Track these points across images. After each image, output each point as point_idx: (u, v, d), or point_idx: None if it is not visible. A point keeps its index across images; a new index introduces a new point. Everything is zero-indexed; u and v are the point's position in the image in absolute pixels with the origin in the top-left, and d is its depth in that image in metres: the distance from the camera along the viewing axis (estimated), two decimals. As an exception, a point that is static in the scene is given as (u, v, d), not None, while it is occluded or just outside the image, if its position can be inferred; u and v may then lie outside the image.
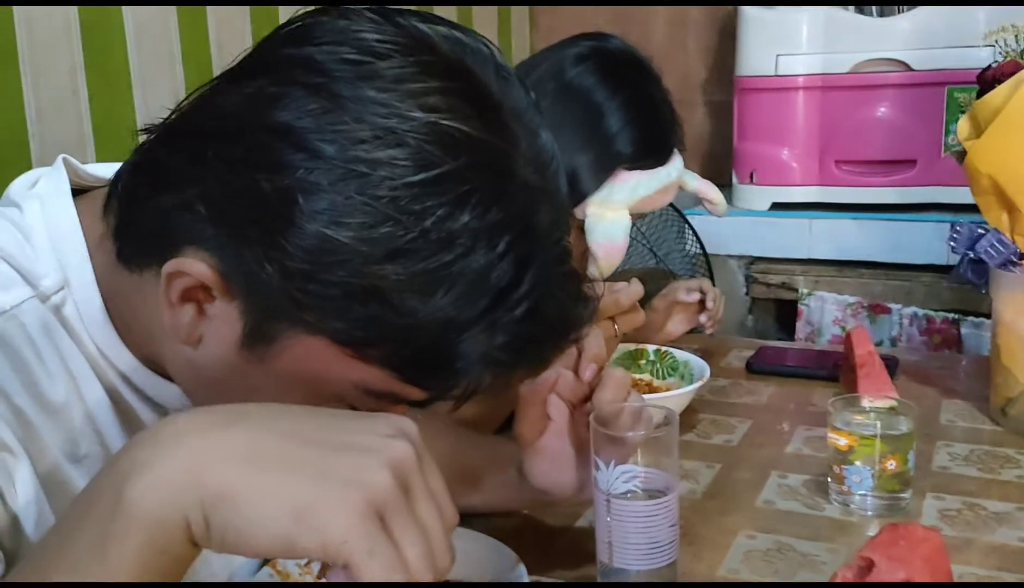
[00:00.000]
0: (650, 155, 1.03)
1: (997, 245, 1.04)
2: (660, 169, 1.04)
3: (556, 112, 1.01)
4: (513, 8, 2.27)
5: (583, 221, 1.03)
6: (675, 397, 1.06)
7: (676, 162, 1.06)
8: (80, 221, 0.58)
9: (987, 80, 1.10)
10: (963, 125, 1.08)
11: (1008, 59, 1.07)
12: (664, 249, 1.80)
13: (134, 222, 0.55)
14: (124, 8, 1.25)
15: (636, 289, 0.98)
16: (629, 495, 0.70)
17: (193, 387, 0.58)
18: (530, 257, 0.51)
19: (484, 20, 2.11)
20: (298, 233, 0.48)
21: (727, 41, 2.14)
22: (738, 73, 1.88)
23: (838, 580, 0.67)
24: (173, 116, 0.54)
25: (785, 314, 1.85)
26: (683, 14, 2.22)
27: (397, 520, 0.43)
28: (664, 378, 1.17)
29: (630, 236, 1.56)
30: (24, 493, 0.54)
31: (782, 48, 1.80)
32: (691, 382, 1.12)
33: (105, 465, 0.46)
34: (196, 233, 0.51)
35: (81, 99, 1.20)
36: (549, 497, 0.77)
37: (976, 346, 1.61)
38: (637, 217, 1.07)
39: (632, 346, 1.19)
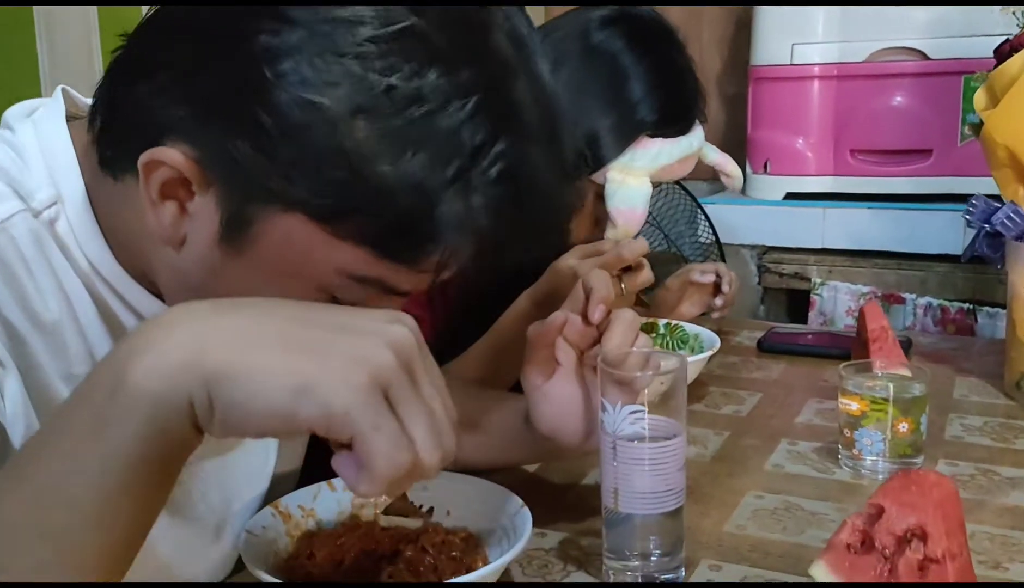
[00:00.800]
0: (673, 123, 1.02)
1: (1013, 217, 1.03)
2: (682, 138, 1.03)
3: (580, 74, 1.01)
4: (528, 9, 2.27)
5: (603, 187, 1.02)
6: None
7: (698, 132, 1.05)
8: (72, 141, 0.58)
9: (1004, 52, 1.09)
10: (980, 96, 1.07)
11: (1025, 30, 1.05)
12: (675, 235, 1.80)
13: (114, 122, 0.55)
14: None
15: (640, 245, 0.96)
16: (636, 441, 0.69)
17: (179, 297, 0.57)
18: (504, 120, 0.50)
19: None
20: (266, 98, 0.48)
21: (742, 33, 2.14)
22: (753, 62, 1.87)
23: (847, 529, 0.65)
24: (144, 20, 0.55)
25: (798, 304, 1.83)
26: (697, 7, 2.22)
27: (401, 396, 0.43)
28: (675, 351, 1.15)
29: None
30: (12, 405, 0.54)
31: (798, 37, 1.79)
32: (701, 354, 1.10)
33: (103, 357, 0.45)
34: (170, 121, 0.51)
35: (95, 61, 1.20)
36: (555, 445, 0.75)
37: (991, 335, 1.59)
38: (656, 185, 1.06)
39: (644, 319, 1.18)
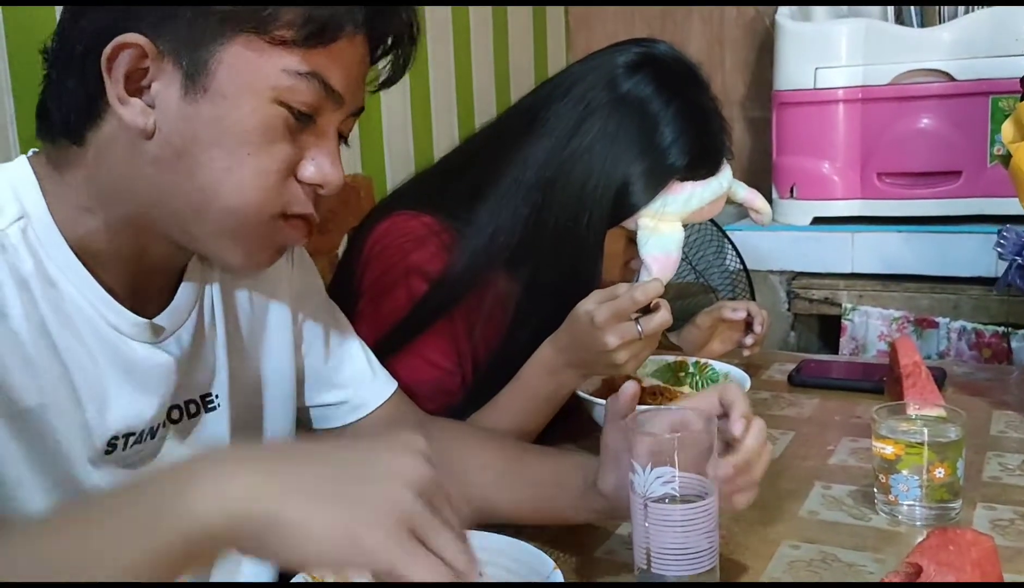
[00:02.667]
0: (703, 165, 1.02)
1: (1046, 250, 1.01)
2: (712, 180, 1.02)
3: (611, 122, 1.01)
4: (548, 10, 2.28)
5: (634, 232, 1.02)
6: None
7: (726, 172, 1.05)
8: (32, 168, 0.68)
9: (1033, 83, 1.08)
10: (1007, 128, 1.06)
11: (1053, 60, 1.04)
12: (703, 265, 1.79)
13: (69, 64, 0.66)
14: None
15: (654, 287, 0.94)
16: (667, 500, 0.68)
17: (171, 189, 0.66)
18: None
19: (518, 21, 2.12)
20: None
21: (764, 57, 2.13)
22: (776, 87, 1.86)
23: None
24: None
25: (829, 330, 1.82)
26: (720, 31, 2.21)
27: (427, 528, 0.52)
28: (703, 389, 1.15)
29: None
30: None
31: (821, 61, 1.78)
32: (732, 394, 1.10)
33: (169, 467, 0.55)
34: (114, 24, 0.63)
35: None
36: (613, 509, 0.78)
37: (1028, 361, 1.57)
38: (686, 227, 1.06)
39: (673, 358, 1.18)
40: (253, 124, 0.65)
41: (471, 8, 1.92)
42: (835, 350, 1.76)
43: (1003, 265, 1.50)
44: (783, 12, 1.87)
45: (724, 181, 1.04)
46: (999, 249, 1.07)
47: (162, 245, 0.71)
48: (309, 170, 0.69)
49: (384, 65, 0.75)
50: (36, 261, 0.65)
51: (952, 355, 1.62)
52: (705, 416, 0.71)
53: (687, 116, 1.01)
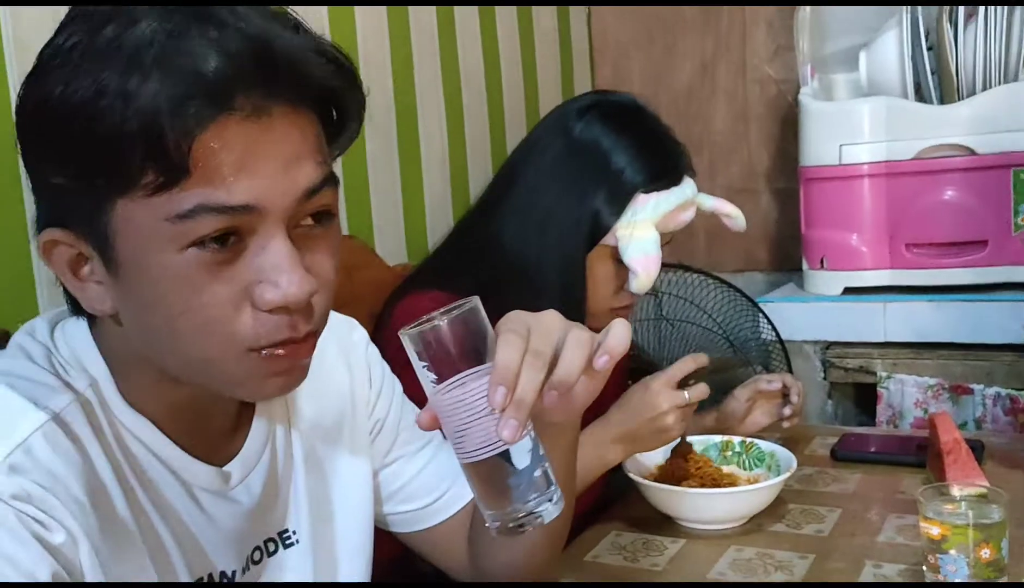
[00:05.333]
0: (662, 177, 1.14)
1: (1077, 329, 1.06)
2: (675, 189, 1.14)
3: (569, 167, 1.15)
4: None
5: (615, 248, 1.13)
6: (765, 489, 1.09)
7: (690, 183, 1.17)
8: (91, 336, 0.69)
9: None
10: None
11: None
12: (740, 338, 1.84)
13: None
14: None
15: (699, 358, 1.16)
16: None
17: (156, 350, 0.65)
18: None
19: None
20: (56, 131, 0.59)
21: (788, 130, 2.20)
22: (803, 163, 1.93)
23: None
24: None
25: (865, 398, 1.86)
26: (744, 108, 2.29)
27: None
28: (751, 469, 1.20)
29: (705, 326, 1.62)
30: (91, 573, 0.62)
31: (845, 138, 1.85)
32: (777, 472, 1.15)
33: None
34: (44, 223, 0.63)
35: None
36: None
37: (1063, 424, 1.60)
38: (666, 238, 1.16)
39: (719, 438, 1.23)
40: (168, 282, 0.60)
41: (497, 8, 1.98)
42: (872, 418, 1.80)
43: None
44: (806, 92, 1.94)
45: (688, 190, 1.16)
46: (1031, 328, 1.12)
47: (201, 392, 0.69)
48: (266, 293, 0.61)
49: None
50: (109, 420, 0.66)
51: (988, 421, 1.65)
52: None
53: (636, 141, 1.15)
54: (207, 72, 0.57)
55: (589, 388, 0.69)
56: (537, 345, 0.65)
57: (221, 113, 0.57)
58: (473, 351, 0.64)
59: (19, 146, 0.63)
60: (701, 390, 1.13)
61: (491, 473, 0.65)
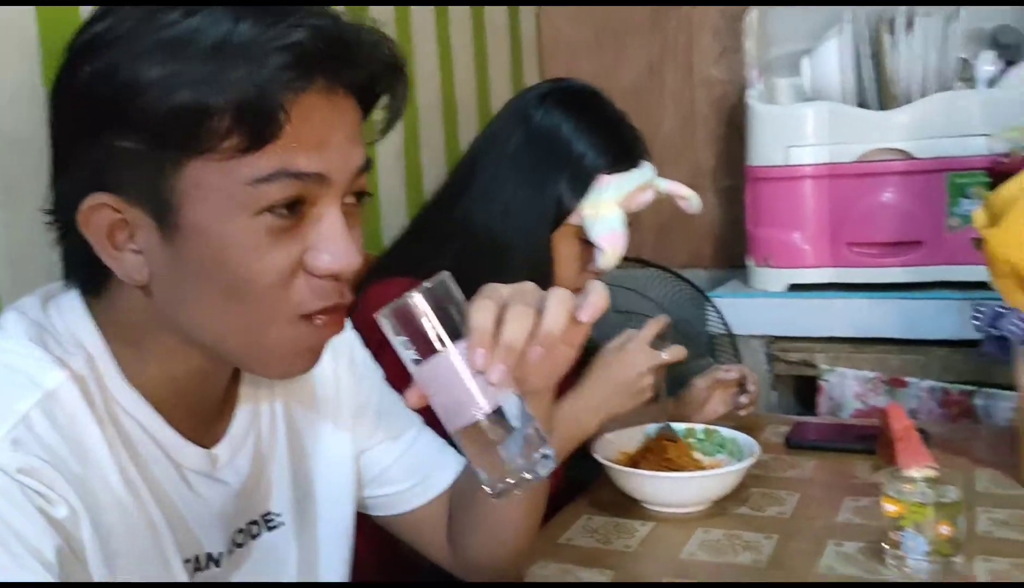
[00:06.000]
0: (622, 160, 1.19)
1: (1019, 323, 1.13)
2: (635, 171, 1.20)
3: (531, 153, 1.19)
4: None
5: (580, 228, 1.18)
6: (730, 473, 1.13)
7: (648, 166, 1.22)
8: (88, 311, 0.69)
9: (998, 172, 1.21)
10: (979, 215, 1.18)
11: (1017, 155, 1.17)
12: (691, 331, 1.89)
13: (63, 247, 0.68)
14: None
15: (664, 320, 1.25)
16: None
17: (186, 324, 0.67)
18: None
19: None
20: (127, 99, 0.60)
21: (733, 130, 2.27)
22: (750, 163, 1.99)
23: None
24: None
25: (807, 390, 1.93)
26: (691, 109, 2.35)
27: None
28: (713, 455, 1.24)
29: (650, 313, 1.68)
30: (92, 550, 0.63)
31: (791, 140, 1.91)
32: (739, 457, 1.19)
33: None
34: (80, 187, 0.63)
35: None
36: None
37: (991, 415, 1.69)
38: (628, 219, 1.20)
39: (683, 425, 1.27)
40: (237, 246, 0.63)
41: (450, 7, 1.99)
42: (813, 408, 1.87)
43: (966, 325, 1.65)
44: (752, 94, 2.01)
45: (647, 172, 1.21)
46: (976, 322, 1.19)
47: (207, 367, 0.71)
48: (322, 260, 0.65)
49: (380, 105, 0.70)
50: (105, 398, 0.67)
51: (923, 412, 1.74)
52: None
53: (595, 126, 1.20)
54: (297, 44, 0.60)
55: (567, 354, 0.75)
56: (519, 301, 0.69)
57: (307, 85, 0.62)
58: (450, 322, 0.67)
59: (56, 109, 0.64)
60: (678, 351, 1.22)
61: (483, 437, 0.68)
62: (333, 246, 0.65)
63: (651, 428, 1.26)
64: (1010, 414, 1.64)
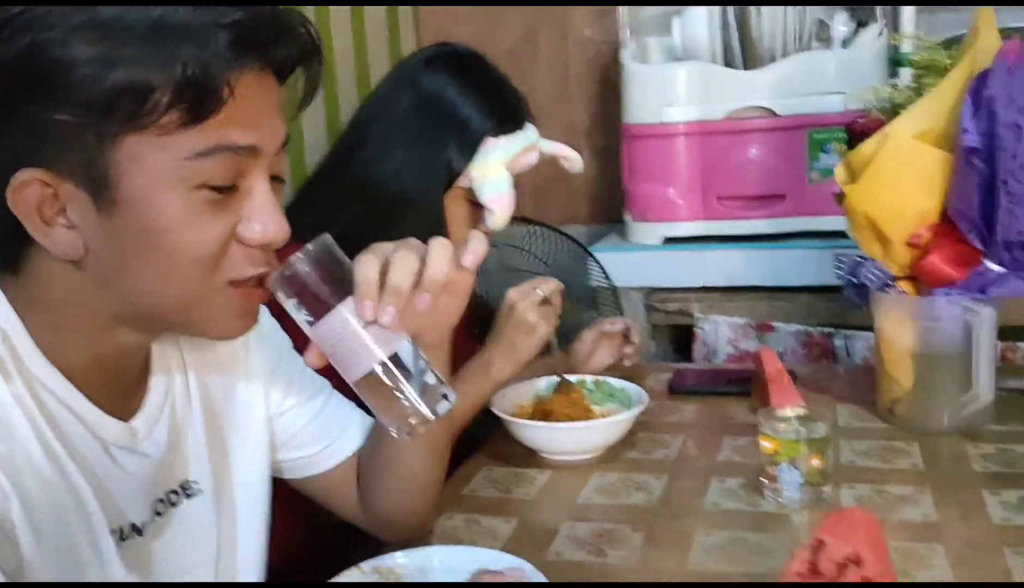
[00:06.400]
0: (507, 122, 1.23)
1: (876, 272, 1.24)
2: (520, 133, 1.24)
3: (418, 118, 1.22)
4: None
5: (469, 190, 1.22)
6: (622, 421, 1.20)
7: (532, 128, 1.27)
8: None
9: (855, 131, 1.30)
10: (840, 172, 1.28)
11: (873, 116, 1.27)
12: (575, 285, 1.96)
13: None
14: None
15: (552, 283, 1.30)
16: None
17: (118, 296, 0.68)
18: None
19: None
20: (58, 77, 0.61)
21: (607, 90, 2.34)
22: (625, 121, 2.06)
23: (798, 560, 0.82)
24: None
25: (683, 337, 2.03)
26: (566, 69, 2.40)
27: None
28: (603, 404, 1.31)
29: (543, 274, 1.75)
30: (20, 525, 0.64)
31: (664, 99, 1.99)
32: (627, 405, 1.26)
33: None
34: (9, 164, 0.63)
35: None
36: None
37: (849, 355, 1.83)
38: (515, 180, 1.25)
39: (574, 377, 1.33)
40: (175, 219, 0.65)
41: (331, 7, 1.98)
42: (689, 355, 1.97)
43: (825, 272, 1.78)
44: (626, 55, 2.07)
45: (531, 134, 1.26)
46: (838, 272, 1.29)
47: (129, 343, 0.73)
48: (254, 231, 0.69)
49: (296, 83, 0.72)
50: (23, 376, 0.67)
51: (788, 355, 1.87)
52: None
53: (480, 89, 1.24)
54: (239, 24, 0.63)
55: (455, 304, 0.80)
56: (403, 250, 0.74)
57: (247, 63, 0.65)
58: (337, 281, 0.72)
59: None
60: (551, 283, 1.28)
61: (383, 384, 0.72)
62: (264, 216, 0.69)
63: (547, 381, 1.32)
64: (866, 353, 1.79)
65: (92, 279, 0.67)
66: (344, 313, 0.71)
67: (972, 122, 1.12)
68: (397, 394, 0.73)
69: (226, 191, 0.67)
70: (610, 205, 2.34)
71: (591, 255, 1.98)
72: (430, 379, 0.74)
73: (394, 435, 0.74)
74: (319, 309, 0.71)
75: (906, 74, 1.50)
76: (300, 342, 0.93)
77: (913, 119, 1.20)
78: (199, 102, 0.62)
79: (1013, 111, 1.09)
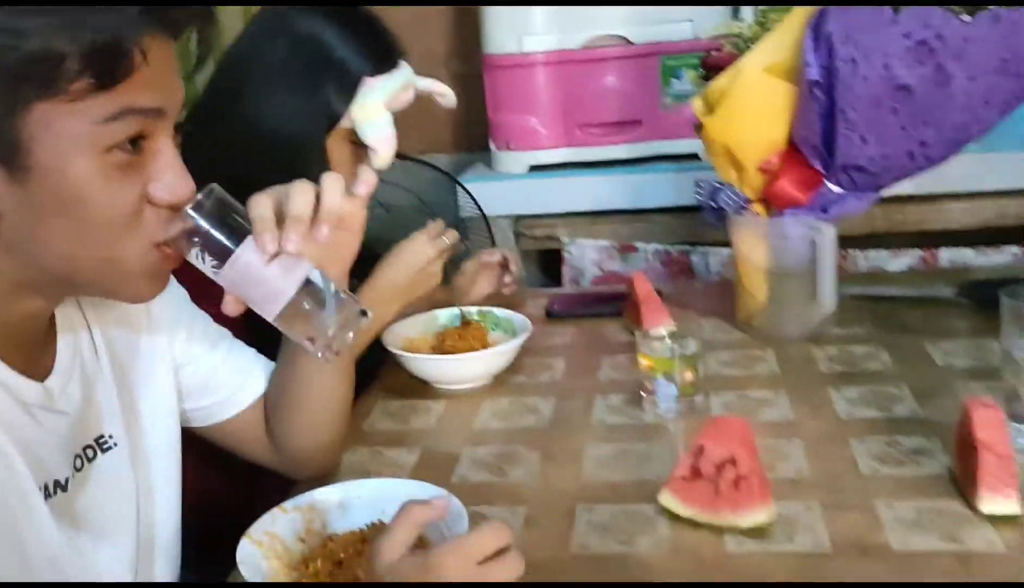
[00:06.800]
0: (383, 61, 1.25)
1: (732, 196, 1.35)
2: (396, 72, 1.27)
3: (295, 64, 1.23)
4: None
5: (351, 130, 1.24)
6: (509, 350, 1.28)
7: (407, 66, 1.30)
8: None
9: (710, 65, 1.40)
10: (698, 104, 1.37)
11: (726, 50, 1.36)
12: (442, 213, 2.00)
13: None
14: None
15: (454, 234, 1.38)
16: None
17: (34, 263, 0.70)
18: None
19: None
20: None
21: (465, 17, 2.35)
22: (486, 52, 2.10)
23: (682, 466, 0.92)
24: None
25: (552, 261, 2.12)
26: (424, -4, 2.40)
27: None
28: (489, 334, 1.38)
29: (415, 207, 1.79)
30: None
31: (523, 29, 2.03)
32: (513, 334, 1.34)
33: None
34: None
35: None
36: None
37: (704, 270, 1.97)
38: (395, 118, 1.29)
39: (458, 310, 1.39)
40: (88, 183, 0.67)
41: None
42: (558, 279, 2.07)
43: (680, 194, 1.91)
44: (484, -17, 2.10)
45: (407, 73, 1.29)
46: (698, 196, 1.40)
47: (39, 306, 0.75)
48: (160, 192, 0.71)
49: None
50: None
51: (650, 273, 1.99)
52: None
53: (356, 30, 1.25)
54: None
55: (350, 240, 0.87)
56: (297, 185, 0.80)
57: (155, 29, 0.67)
58: (234, 227, 0.76)
59: None
60: (454, 234, 1.36)
61: (301, 311, 0.78)
62: (170, 176, 0.72)
63: (443, 314, 1.38)
64: (720, 268, 1.93)
65: (7, 245, 0.69)
66: (248, 254, 0.75)
67: (813, 56, 1.23)
68: (317, 318, 0.78)
69: (135, 153, 0.69)
70: (472, 131, 2.38)
71: (461, 185, 2.03)
72: (344, 298, 0.79)
73: (319, 358, 0.80)
74: (221, 254, 0.75)
75: (747, 11, 1.60)
76: (195, 293, 0.96)
77: (762, 53, 1.30)
78: (111, 68, 0.65)
79: (850, 46, 1.20)
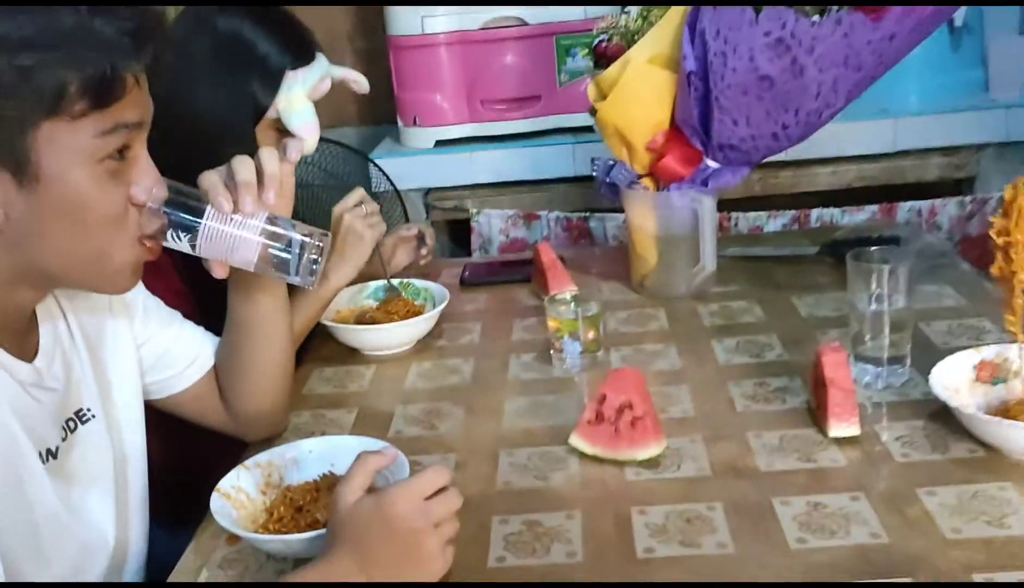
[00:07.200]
0: (302, 55, 1.35)
1: (624, 172, 1.51)
2: (315, 64, 1.37)
3: (219, 61, 1.32)
4: None
5: (276, 120, 1.34)
6: (431, 317, 1.42)
7: (323, 57, 1.40)
8: None
9: (600, 53, 1.55)
10: (592, 90, 1.52)
11: (615, 42, 1.52)
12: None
13: None
14: None
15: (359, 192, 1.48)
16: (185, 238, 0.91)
17: (34, 262, 0.81)
18: None
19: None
20: None
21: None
22: (390, 33, 2.20)
23: (588, 412, 1.08)
24: None
25: (461, 231, 2.26)
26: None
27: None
28: (413, 302, 1.51)
29: (330, 185, 1.90)
30: None
31: (425, 11, 2.15)
32: (432, 302, 1.48)
33: None
34: None
35: None
36: None
37: (602, 235, 2.15)
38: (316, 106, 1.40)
39: (382, 282, 1.53)
40: (86, 189, 0.79)
41: None
42: (467, 247, 2.21)
43: (577, 164, 2.06)
44: (384, -35, 2.20)
45: (324, 64, 1.39)
46: (595, 172, 1.56)
47: (31, 298, 0.87)
48: (140, 192, 0.83)
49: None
50: None
51: (552, 239, 2.15)
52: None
53: (274, 27, 1.35)
54: (137, 28, 0.78)
55: (285, 204, 0.99)
56: (238, 158, 0.94)
57: (142, 58, 0.80)
58: (194, 207, 0.90)
59: None
60: (358, 194, 1.45)
61: (277, 254, 0.93)
62: (147, 178, 0.84)
63: (373, 286, 1.51)
64: (615, 232, 2.11)
65: (9, 245, 0.79)
66: (211, 221, 0.90)
67: (690, 49, 1.39)
68: (288, 252, 0.93)
69: (121, 161, 0.81)
70: (378, 107, 2.48)
71: (373, 162, 2.14)
72: (303, 227, 0.94)
73: (310, 286, 0.96)
74: (191, 230, 0.89)
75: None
76: (147, 281, 1.08)
77: (647, 45, 1.46)
78: (107, 93, 0.77)
79: (720, 41, 1.36)
